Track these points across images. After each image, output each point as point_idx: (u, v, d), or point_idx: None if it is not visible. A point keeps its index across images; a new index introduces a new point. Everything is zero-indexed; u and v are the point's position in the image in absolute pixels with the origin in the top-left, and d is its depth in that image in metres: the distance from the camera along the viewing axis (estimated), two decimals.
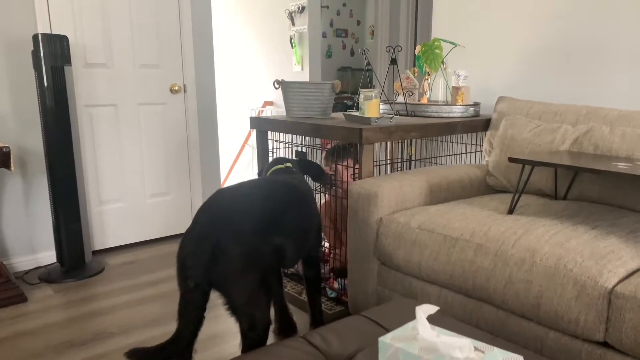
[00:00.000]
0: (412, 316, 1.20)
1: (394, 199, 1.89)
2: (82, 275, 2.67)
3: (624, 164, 1.57)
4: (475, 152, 2.69)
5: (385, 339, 0.93)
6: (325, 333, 1.18)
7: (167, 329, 2.11)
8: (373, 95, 2.15)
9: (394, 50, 2.30)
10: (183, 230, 3.43)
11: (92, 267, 2.76)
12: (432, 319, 1.21)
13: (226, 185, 4.81)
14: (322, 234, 2.16)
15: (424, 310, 0.93)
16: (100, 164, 2.99)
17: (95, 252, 3.02)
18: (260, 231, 1.45)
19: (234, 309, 1.42)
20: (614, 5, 2.15)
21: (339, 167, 2.40)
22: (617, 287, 1.27)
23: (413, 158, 2.95)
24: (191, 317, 1.39)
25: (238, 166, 4.92)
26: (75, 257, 2.69)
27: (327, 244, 2.54)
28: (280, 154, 2.62)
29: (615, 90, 2.20)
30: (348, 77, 6.69)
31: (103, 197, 3.03)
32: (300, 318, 2.17)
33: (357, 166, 2.41)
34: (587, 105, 2.09)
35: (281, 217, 1.55)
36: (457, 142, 2.77)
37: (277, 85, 2.43)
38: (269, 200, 1.55)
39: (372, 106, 2.14)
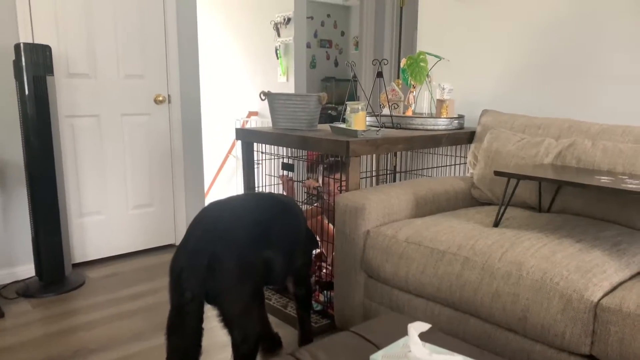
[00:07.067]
0: (402, 332, 1.19)
1: (381, 211, 1.89)
2: (61, 289, 2.60)
3: (606, 178, 1.59)
4: (459, 164, 2.71)
5: (377, 357, 0.92)
6: (315, 350, 1.16)
7: (149, 345, 2.07)
8: (359, 108, 2.16)
9: (380, 63, 2.31)
10: (166, 243, 3.40)
11: (72, 281, 2.70)
12: (421, 334, 1.20)
13: (209, 195, 4.77)
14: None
15: (416, 328, 0.93)
16: (81, 175, 2.94)
17: (75, 265, 2.95)
18: (253, 243, 1.47)
19: (228, 321, 1.42)
20: (596, 23, 2.20)
21: (329, 180, 2.39)
22: (603, 300, 1.29)
23: (397, 170, 2.96)
24: (191, 330, 1.39)
25: (221, 176, 4.88)
26: (55, 271, 2.63)
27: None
28: (266, 165, 2.61)
29: (596, 104, 2.24)
30: (332, 87, 6.72)
31: (84, 208, 2.97)
32: (286, 331, 2.15)
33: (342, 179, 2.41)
34: (569, 118, 2.12)
35: (271, 229, 1.56)
36: (442, 154, 2.79)
37: (263, 97, 2.42)
38: (259, 213, 1.56)
39: (358, 119, 2.15)
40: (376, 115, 2.51)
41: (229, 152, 4.75)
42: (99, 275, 2.86)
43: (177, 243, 3.38)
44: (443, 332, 1.50)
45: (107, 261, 3.08)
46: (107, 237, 3.08)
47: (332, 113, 5.97)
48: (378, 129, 2.14)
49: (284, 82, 4.04)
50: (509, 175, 1.70)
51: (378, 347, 1.11)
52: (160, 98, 3.16)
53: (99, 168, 3.00)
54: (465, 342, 1.21)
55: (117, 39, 2.97)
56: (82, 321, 2.29)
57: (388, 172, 2.97)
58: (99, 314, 2.36)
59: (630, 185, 1.47)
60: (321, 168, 2.47)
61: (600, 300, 1.30)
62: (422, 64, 2.56)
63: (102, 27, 2.90)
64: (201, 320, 1.40)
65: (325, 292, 2.33)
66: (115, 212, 3.10)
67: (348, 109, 2.18)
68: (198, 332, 1.40)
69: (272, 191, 2.64)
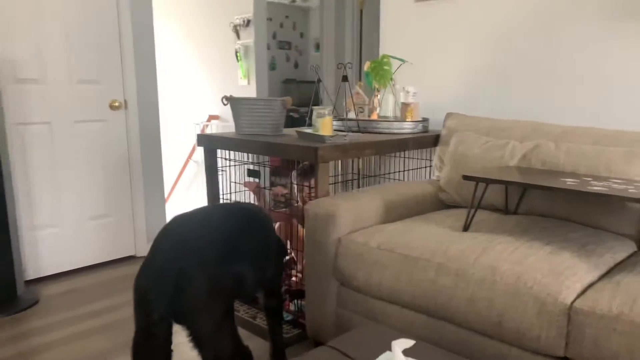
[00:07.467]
0: (381, 344, 1.17)
1: (351, 218, 1.86)
2: (13, 310, 2.44)
3: (571, 180, 1.62)
4: (425, 167, 2.72)
5: None
6: None
7: None
8: (326, 113, 2.13)
9: (345, 67, 2.29)
10: (125, 254, 3.27)
11: (25, 300, 2.54)
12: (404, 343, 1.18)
13: (169, 202, 4.63)
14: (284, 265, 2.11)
15: (400, 345, 0.90)
16: (33, 186, 2.78)
17: (28, 282, 2.79)
18: (223, 258, 1.40)
19: (198, 341, 1.35)
20: (555, 27, 2.25)
21: (303, 187, 2.35)
22: (576, 302, 1.30)
23: (362, 174, 2.95)
24: (160, 353, 1.31)
25: (181, 182, 4.75)
26: (6, 289, 2.47)
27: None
28: (231, 172, 2.54)
29: (555, 106, 2.29)
30: (293, 89, 6.67)
31: (37, 221, 2.81)
32: (256, 343, 2.09)
33: (306, 185, 2.38)
34: (532, 121, 2.16)
35: (240, 242, 1.49)
36: (407, 157, 2.80)
37: (225, 102, 2.35)
38: (228, 225, 1.50)
39: (325, 124, 2.11)
40: (342, 120, 2.49)
41: (189, 157, 4.63)
42: (54, 292, 2.71)
43: (138, 254, 3.26)
44: (419, 339, 1.49)
45: (63, 276, 2.92)
46: (63, 251, 2.93)
47: (294, 115, 5.91)
48: (345, 134, 2.12)
49: (245, 85, 3.97)
50: (478, 180, 1.70)
51: None
52: (116, 104, 3.03)
53: (52, 178, 2.85)
54: (449, 352, 1.19)
55: (68, 42, 2.82)
56: (38, 343, 2.15)
57: (359, 176, 2.95)
58: (57, 335, 2.23)
59: (596, 188, 1.50)
60: (294, 174, 2.42)
61: (573, 302, 1.31)
62: (385, 67, 2.56)
63: (51, 30, 2.75)
64: (170, 342, 1.33)
65: (295, 301, 2.28)
66: (71, 224, 2.94)
67: (314, 113, 2.14)
68: (167, 355, 1.33)
69: (237, 199, 2.57)
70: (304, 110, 5.79)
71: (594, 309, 1.26)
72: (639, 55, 2.04)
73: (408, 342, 0.91)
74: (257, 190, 2.48)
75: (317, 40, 6.71)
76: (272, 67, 6.81)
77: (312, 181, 2.34)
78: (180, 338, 1.43)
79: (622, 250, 1.62)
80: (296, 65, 7.13)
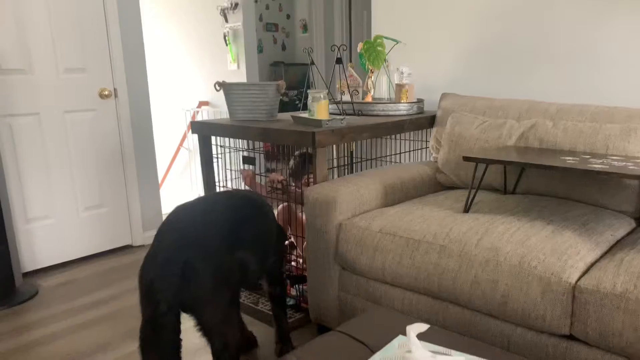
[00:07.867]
0: (391, 328, 1.17)
1: (352, 203, 1.86)
2: (12, 302, 2.43)
3: (571, 158, 1.63)
4: (420, 149, 2.72)
5: None
6: (303, 355, 1.12)
7: (116, 355, 1.96)
8: (322, 97, 2.10)
9: (339, 49, 2.26)
10: (122, 244, 3.24)
11: (24, 292, 2.52)
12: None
13: (162, 189, 4.59)
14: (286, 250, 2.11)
15: (415, 329, 0.91)
16: (24, 179, 2.73)
17: (25, 275, 2.76)
18: (227, 247, 1.40)
19: (207, 329, 1.36)
20: (543, 8, 2.24)
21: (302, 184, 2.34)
22: (580, 281, 1.32)
23: (355, 157, 2.94)
24: (169, 344, 1.31)
25: (174, 169, 4.71)
26: (4, 282, 2.45)
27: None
28: (225, 159, 2.52)
29: (547, 83, 2.29)
30: (281, 72, 6.60)
31: (30, 214, 2.77)
32: (260, 329, 2.10)
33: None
34: (528, 99, 2.16)
35: (243, 230, 1.49)
36: (401, 139, 2.79)
37: (218, 88, 2.32)
38: (230, 214, 1.49)
39: (321, 108, 2.09)
40: (337, 103, 2.47)
41: (180, 144, 4.58)
42: (52, 283, 2.69)
43: (134, 243, 3.24)
44: (422, 321, 1.50)
45: (61, 268, 2.90)
46: (58, 243, 2.90)
47: (283, 99, 5.86)
48: (342, 117, 2.10)
49: (235, 70, 3.91)
50: (478, 160, 1.70)
51: (371, 349, 1.08)
52: (106, 92, 2.97)
53: (44, 170, 2.80)
54: (463, 336, 1.20)
55: (52, 30, 2.75)
56: (39, 335, 2.14)
57: (351, 160, 2.94)
58: (58, 326, 2.22)
59: (596, 165, 1.51)
60: (290, 168, 2.41)
61: (577, 281, 1.33)
62: (379, 48, 2.53)
63: (34, 19, 2.67)
64: (178, 332, 1.33)
65: (297, 285, 2.29)
66: (65, 215, 2.91)
67: (310, 97, 2.12)
68: (176, 346, 1.33)
69: (234, 186, 2.55)
70: (293, 94, 5.73)
71: (598, 287, 1.27)
72: (631, 32, 2.04)
73: (422, 327, 0.92)
74: (254, 177, 2.46)
75: (304, 21, 6.62)
76: (260, 49, 6.71)
77: (306, 177, 2.34)
78: (187, 324, 1.43)
79: (622, 227, 1.64)
80: (283, 48, 7.04)
